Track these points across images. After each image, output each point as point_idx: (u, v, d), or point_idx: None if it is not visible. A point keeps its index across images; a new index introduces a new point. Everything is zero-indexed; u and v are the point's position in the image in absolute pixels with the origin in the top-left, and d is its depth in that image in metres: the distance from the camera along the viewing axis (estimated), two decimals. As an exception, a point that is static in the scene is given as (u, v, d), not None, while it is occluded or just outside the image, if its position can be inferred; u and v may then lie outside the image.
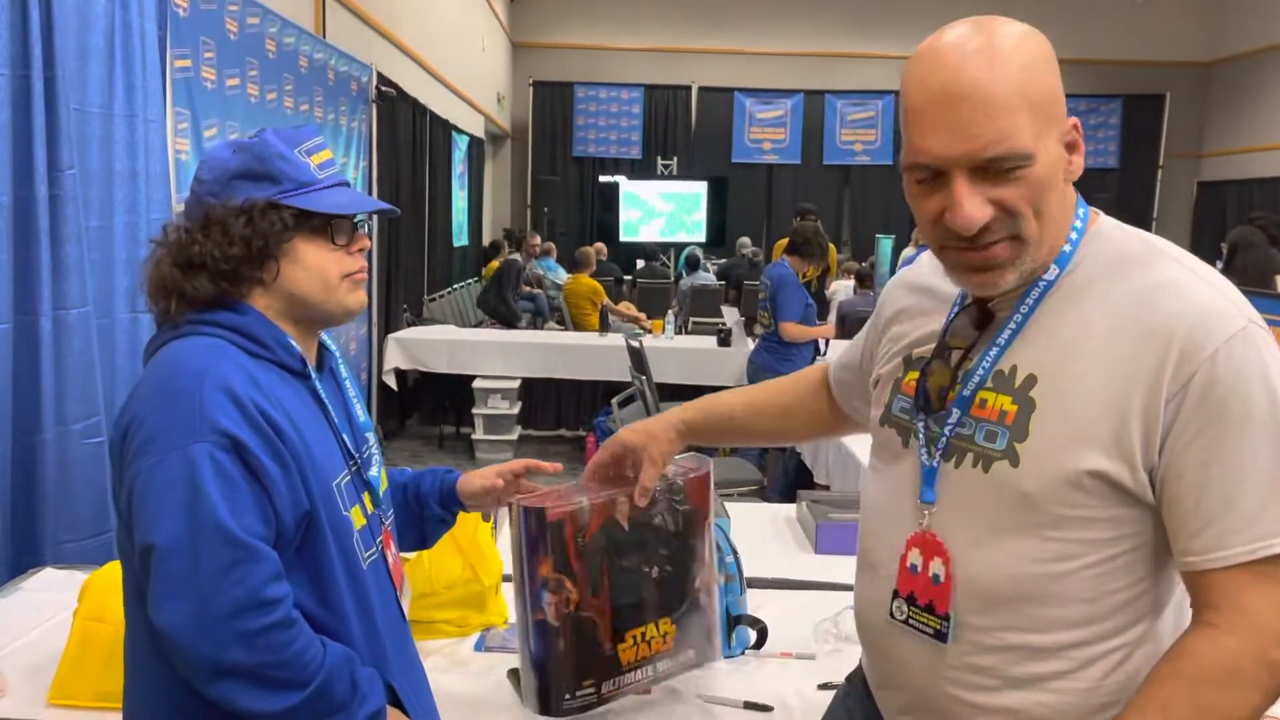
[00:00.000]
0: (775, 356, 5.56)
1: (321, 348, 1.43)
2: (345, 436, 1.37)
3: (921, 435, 1.20)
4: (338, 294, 1.35)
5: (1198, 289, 1.07)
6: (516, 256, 9.58)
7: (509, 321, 8.61)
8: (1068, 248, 1.13)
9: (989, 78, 1.03)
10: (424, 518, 1.61)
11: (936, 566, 1.17)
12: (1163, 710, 1.04)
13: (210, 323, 1.28)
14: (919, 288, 1.32)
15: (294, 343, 1.32)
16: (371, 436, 1.45)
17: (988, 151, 1.04)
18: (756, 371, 5.68)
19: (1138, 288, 1.09)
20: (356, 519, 1.34)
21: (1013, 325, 1.15)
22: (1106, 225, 1.17)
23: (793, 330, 5.47)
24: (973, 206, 1.06)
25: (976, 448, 1.14)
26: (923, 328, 1.27)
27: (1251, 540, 1.02)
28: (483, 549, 2.03)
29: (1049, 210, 1.08)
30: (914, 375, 1.24)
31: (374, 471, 1.42)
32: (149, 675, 1.28)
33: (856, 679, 1.42)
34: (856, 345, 1.47)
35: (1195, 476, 1.04)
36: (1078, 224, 1.14)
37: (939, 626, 1.17)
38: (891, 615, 1.22)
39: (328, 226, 1.34)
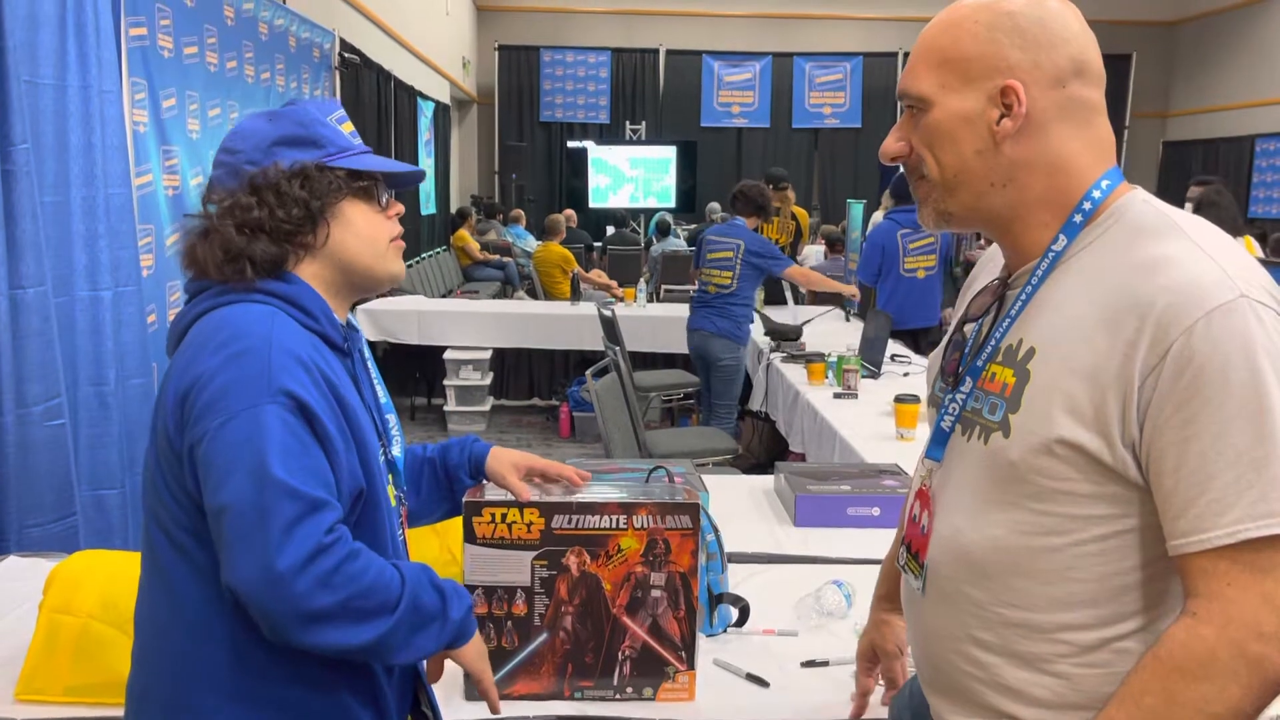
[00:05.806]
0: (731, 321, 5.31)
1: (348, 326, 1.42)
2: (374, 414, 1.38)
3: (944, 406, 1.24)
4: (385, 259, 1.36)
5: (1193, 262, 1.04)
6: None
7: None
8: (1078, 218, 1.13)
9: (927, 33, 1.19)
10: (454, 490, 1.60)
11: (925, 519, 1.24)
12: (1137, 700, 1.02)
13: (261, 290, 1.26)
14: (988, 259, 1.35)
15: (335, 316, 1.32)
16: (393, 417, 1.46)
17: (899, 87, 1.21)
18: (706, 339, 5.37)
19: (1138, 260, 1.07)
20: (390, 497, 1.37)
21: (1022, 299, 1.16)
22: (1135, 200, 1.14)
23: (808, 276, 5.37)
24: (890, 138, 1.22)
25: (982, 420, 1.15)
26: (973, 306, 1.29)
27: (1231, 524, 0.98)
28: (458, 530, 1.99)
29: (946, 157, 1.16)
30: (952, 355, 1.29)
31: (396, 451, 1.44)
32: (160, 650, 1.26)
33: None
34: None
35: (1173, 456, 1.01)
36: (1096, 194, 1.14)
37: (918, 574, 1.24)
38: (898, 560, 1.32)
39: (374, 189, 1.35)
